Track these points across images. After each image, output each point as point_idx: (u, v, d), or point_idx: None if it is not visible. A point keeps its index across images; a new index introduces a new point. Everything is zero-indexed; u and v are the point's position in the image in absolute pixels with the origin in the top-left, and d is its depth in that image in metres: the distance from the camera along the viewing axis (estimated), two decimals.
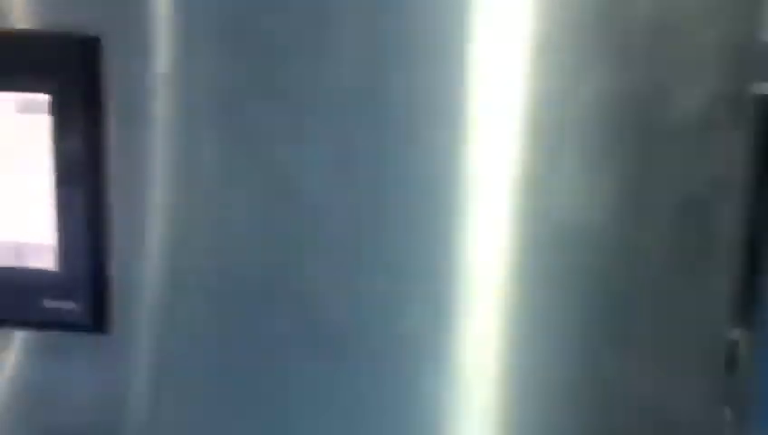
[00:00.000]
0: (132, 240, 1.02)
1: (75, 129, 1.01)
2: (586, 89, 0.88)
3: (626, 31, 0.87)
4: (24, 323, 1.05)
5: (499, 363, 0.98)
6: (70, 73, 0.99)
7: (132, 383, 1.04)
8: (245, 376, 1.03)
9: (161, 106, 0.98)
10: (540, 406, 0.97)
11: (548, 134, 0.90)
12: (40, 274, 1.04)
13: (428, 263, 0.97)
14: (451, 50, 0.91)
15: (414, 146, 0.95)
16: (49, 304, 1.03)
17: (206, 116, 0.98)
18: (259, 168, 0.98)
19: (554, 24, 0.88)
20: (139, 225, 1.01)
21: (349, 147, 0.96)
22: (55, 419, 1.01)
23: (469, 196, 0.94)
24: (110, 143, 1.01)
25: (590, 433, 0.96)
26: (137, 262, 1.02)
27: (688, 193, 0.83)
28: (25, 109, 1.01)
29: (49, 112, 1.00)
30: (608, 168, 0.89)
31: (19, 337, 1.06)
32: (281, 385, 1.01)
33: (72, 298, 1.03)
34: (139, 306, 1.03)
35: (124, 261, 1.02)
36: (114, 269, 1.03)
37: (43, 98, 1.00)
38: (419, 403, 0.99)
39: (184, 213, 1.01)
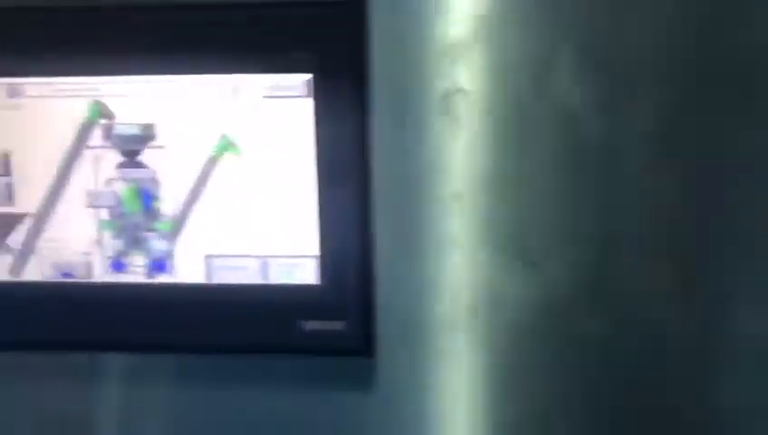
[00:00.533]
0: (397, 245, 0.85)
1: (340, 114, 0.82)
2: None
3: None
4: (279, 349, 0.87)
5: None
6: (333, 45, 0.81)
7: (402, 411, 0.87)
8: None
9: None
10: None
11: None
12: (297, 290, 0.85)
13: None
14: None
15: None
16: (310, 325, 0.86)
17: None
18: None
19: None
20: (404, 227, 0.84)
21: None
22: None
23: None
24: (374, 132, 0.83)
25: None
26: (402, 271, 0.85)
27: None
28: (277, 92, 0.83)
29: (309, 95, 0.82)
30: None
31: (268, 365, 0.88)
32: None
33: (338, 317, 0.85)
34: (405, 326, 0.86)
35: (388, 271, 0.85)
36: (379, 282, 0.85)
37: (299, 79, 0.82)
38: None
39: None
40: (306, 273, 0.86)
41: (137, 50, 0.83)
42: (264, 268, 0.86)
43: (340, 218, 0.84)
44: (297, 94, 0.83)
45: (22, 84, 0.85)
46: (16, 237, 0.88)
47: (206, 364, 0.89)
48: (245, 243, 0.86)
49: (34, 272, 0.88)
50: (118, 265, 0.88)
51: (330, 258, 0.85)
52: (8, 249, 0.88)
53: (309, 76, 0.82)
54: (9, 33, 0.84)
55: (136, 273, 0.88)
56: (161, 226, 0.86)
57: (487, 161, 0.83)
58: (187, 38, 0.83)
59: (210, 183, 0.85)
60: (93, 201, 0.87)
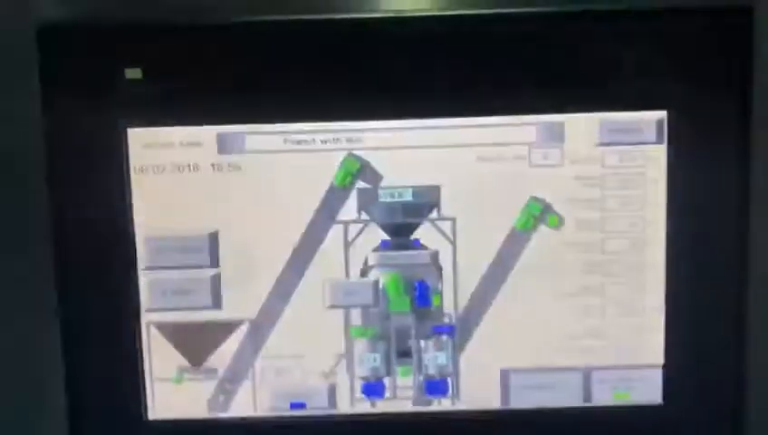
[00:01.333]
0: None
1: (707, 167, 0.59)
2: None
3: None
4: None
5: None
6: (700, 71, 0.58)
7: None
8: None
9: None
10: None
11: None
12: (634, 414, 0.61)
13: None
14: None
15: None
16: None
17: None
18: None
19: None
20: None
21: None
22: None
23: None
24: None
25: None
26: None
27: None
28: (614, 138, 0.59)
29: (661, 140, 0.58)
30: None
31: None
32: None
33: None
34: None
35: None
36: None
37: (648, 117, 0.58)
38: None
39: None
40: (646, 390, 0.61)
41: (417, 81, 0.58)
42: (586, 385, 0.61)
43: (699, 315, 0.60)
44: (643, 140, 0.59)
45: (240, 134, 0.59)
46: (223, 356, 0.61)
47: None
48: (560, 351, 0.61)
49: (247, 404, 0.62)
50: (373, 389, 0.62)
51: (680, 369, 0.61)
52: (210, 373, 0.61)
53: (661, 114, 0.58)
54: (221, 61, 0.58)
55: (400, 398, 0.62)
56: (442, 330, 0.61)
57: None
58: (489, 65, 0.58)
59: (515, 268, 0.60)
60: (340, 299, 0.60)
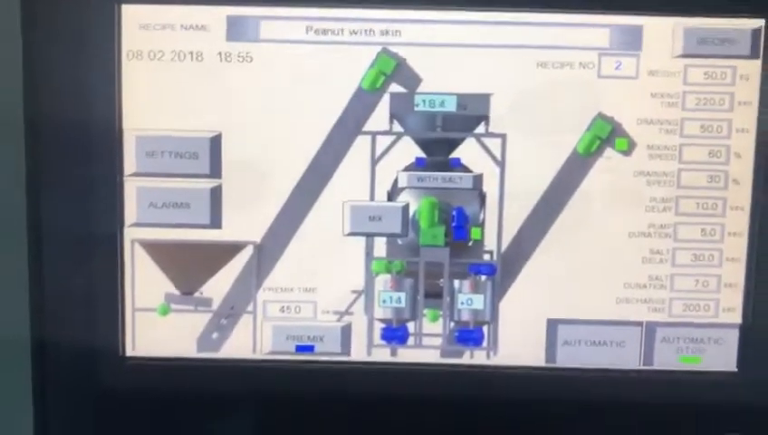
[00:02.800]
0: None
1: None
2: None
3: None
4: None
5: None
6: None
7: None
8: None
9: None
10: None
11: None
12: (704, 382, 0.53)
13: None
14: None
15: None
16: None
17: None
18: None
19: None
20: None
21: None
22: None
23: None
24: None
25: None
26: None
27: None
28: (698, 50, 0.50)
29: (755, 55, 0.50)
30: None
31: None
32: None
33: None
34: None
35: None
36: None
37: (741, 27, 0.49)
38: None
39: None
40: (719, 354, 0.53)
41: None
42: (648, 344, 0.52)
43: None
44: (735, 53, 0.51)
45: (254, 18, 0.50)
46: (220, 284, 0.52)
47: None
48: (618, 302, 0.53)
49: (245, 345, 0.53)
50: (395, 335, 0.53)
51: (761, 332, 0.53)
52: (203, 304, 0.52)
53: (759, 22, 0.50)
54: None
55: (427, 348, 0.53)
56: (480, 268, 0.52)
57: None
58: None
59: (573, 199, 0.51)
60: (362, 225, 0.52)
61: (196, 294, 0.53)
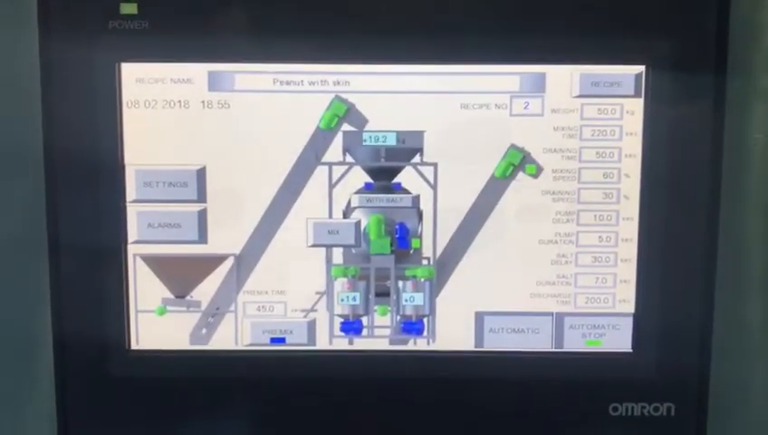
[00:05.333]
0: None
1: (682, 120, 0.60)
2: None
3: None
4: None
5: None
6: (678, 25, 0.59)
7: None
8: None
9: None
10: None
11: None
12: (604, 361, 0.63)
13: None
14: None
15: None
16: (622, 410, 0.63)
17: None
18: None
19: None
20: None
21: None
22: None
23: None
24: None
25: None
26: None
27: None
28: (593, 90, 0.60)
29: (638, 94, 0.60)
30: None
31: None
32: None
33: (661, 398, 0.63)
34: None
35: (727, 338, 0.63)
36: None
37: (627, 71, 0.60)
38: None
39: None
40: (617, 338, 0.63)
41: (405, 27, 0.59)
42: (558, 331, 0.63)
43: (670, 267, 0.61)
44: (621, 93, 0.61)
45: (230, 72, 0.60)
46: (207, 289, 0.62)
47: None
48: (532, 296, 0.63)
49: (228, 338, 0.63)
50: (351, 327, 0.63)
51: (650, 318, 0.63)
52: (194, 305, 0.62)
53: (640, 68, 0.60)
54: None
55: (376, 337, 0.63)
56: (419, 272, 0.62)
57: None
58: (475, 15, 0.59)
59: (493, 214, 0.62)
60: (322, 238, 0.62)
61: (188, 298, 0.62)
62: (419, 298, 0.62)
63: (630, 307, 0.63)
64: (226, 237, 0.62)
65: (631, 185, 0.61)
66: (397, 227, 0.62)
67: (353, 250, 0.62)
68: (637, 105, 0.61)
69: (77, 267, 0.61)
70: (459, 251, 0.62)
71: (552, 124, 0.61)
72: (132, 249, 0.62)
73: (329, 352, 0.63)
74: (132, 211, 0.61)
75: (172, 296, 0.62)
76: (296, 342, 0.63)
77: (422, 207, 0.62)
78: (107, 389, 0.62)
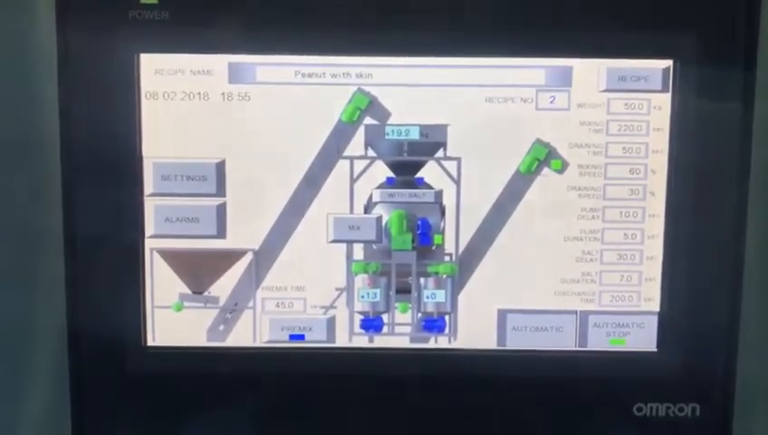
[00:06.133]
0: None
1: (711, 116, 0.59)
2: None
3: None
4: None
5: None
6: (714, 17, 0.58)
7: None
8: None
9: None
10: None
11: None
12: (628, 361, 0.62)
13: None
14: None
15: None
16: (647, 410, 0.62)
17: None
18: None
19: None
20: None
21: None
22: None
23: None
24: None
25: None
26: None
27: None
28: (619, 85, 0.59)
29: (666, 89, 0.59)
30: None
31: None
32: None
33: (687, 399, 0.62)
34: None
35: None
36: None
37: (654, 65, 0.59)
38: None
39: None
40: (641, 337, 0.62)
41: (430, 19, 0.58)
42: (582, 329, 0.62)
43: (697, 265, 0.60)
44: (648, 88, 0.60)
45: (251, 64, 0.59)
46: (225, 285, 0.61)
47: None
48: (556, 294, 0.62)
49: (246, 334, 0.62)
50: (371, 324, 0.62)
51: (675, 318, 0.62)
52: (211, 301, 0.62)
53: (667, 62, 0.59)
54: None
55: (397, 335, 0.62)
56: (441, 268, 0.61)
57: None
58: (501, 7, 0.58)
59: (517, 210, 0.61)
60: (343, 234, 0.61)
61: (206, 293, 0.61)
62: (441, 295, 0.62)
63: (655, 306, 0.62)
64: (245, 232, 0.61)
65: (658, 181, 0.60)
66: (419, 222, 0.61)
67: (374, 246, 0.61)
68: (664, 100, 0.60)
69: (93, 262, 0.60)
70: (482, 247, 0.61)
71: (579, 119, 0.60)
72: (149, 244, 0.61)
73: (348, 350, 0.62)
74: (150, 205, 0.60)
75: (189, 292, 0.61)
76: (315, 339, 0.62)
77: (445, 202, 0.61)
78: (122, 385, 0.62)
